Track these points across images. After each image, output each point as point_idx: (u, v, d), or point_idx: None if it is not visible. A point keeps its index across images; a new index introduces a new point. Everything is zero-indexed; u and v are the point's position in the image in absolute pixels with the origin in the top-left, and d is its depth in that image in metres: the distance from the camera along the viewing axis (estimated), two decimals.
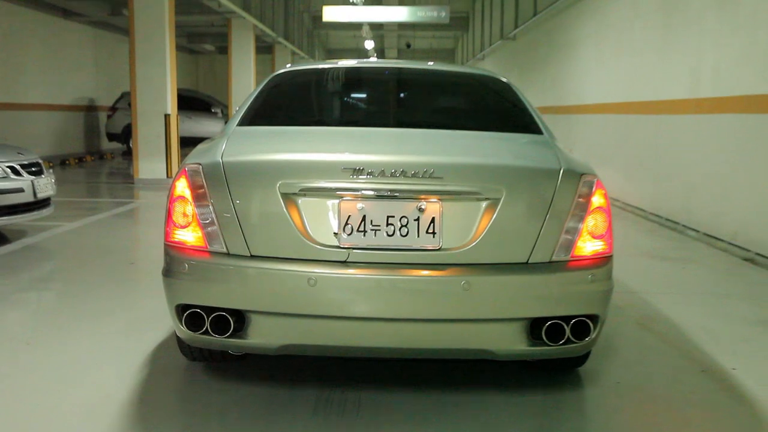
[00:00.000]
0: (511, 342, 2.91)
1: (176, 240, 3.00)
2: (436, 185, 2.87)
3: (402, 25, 25.72)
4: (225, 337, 2.90)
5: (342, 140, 3.42)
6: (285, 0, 21.78)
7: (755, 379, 3.65)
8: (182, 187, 3.00)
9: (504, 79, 4.23)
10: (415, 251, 2.88)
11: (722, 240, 7.18)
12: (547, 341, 2.90)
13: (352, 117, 4.05)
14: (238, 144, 3.24)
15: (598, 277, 2.96)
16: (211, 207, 2.93)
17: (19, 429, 3.02)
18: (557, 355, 2.99)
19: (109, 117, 19.07)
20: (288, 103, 3.97)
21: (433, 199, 2.88)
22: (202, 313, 2.90)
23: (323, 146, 3.28)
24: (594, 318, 2.96)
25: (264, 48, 22.57)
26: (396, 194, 2.87)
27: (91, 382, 3.49)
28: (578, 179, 3.00)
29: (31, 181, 6.83)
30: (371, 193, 2.87)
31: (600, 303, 2.97)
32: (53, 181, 7.32)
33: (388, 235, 2.87)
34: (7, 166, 6.67)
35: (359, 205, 2.87)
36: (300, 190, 2.89)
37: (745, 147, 6.78)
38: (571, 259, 2.94)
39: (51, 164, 15.51)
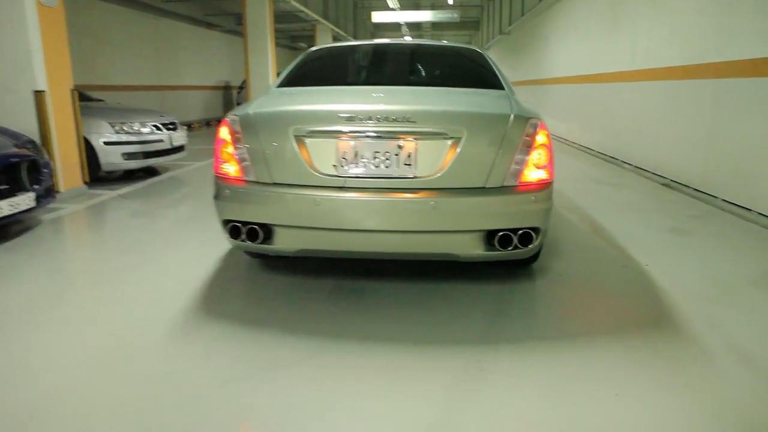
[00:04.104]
0: (471, 248, 2.45)
1: (221, 172, 2.60)
2: (411, 127, 2.38)
3: (434, 26, 24.26)
4: (257, 243, 2.53)
5: (344, 96, 2.90)
6: (354, 10, 20.75)
7: (661, 273, 3.12)
8: (225, 132, 2.58)
9: (479, 50, 3.61)
10: (395, 179, 2.41)
11: (648, 170, 6.47)
12: (499, 248, 2.44)
13: (359, 79, 3.48)
14: (269, 100, 2.79)
15: (540, 198, 2.45)
16: (244, 147, 2.52)
17: (142, 293, 2.86)
18: (507, 257, 2.52)
19: (238, 93, 18.63)
20: (314, 71, 3.46)
21: (410, 138, 2.39)
22: (240, 226, 2.53)
23: (327, 100, 2.78)
24: (536, 230, 2.47)
25: None
26: (381, 135, 2.39)
27: (204, 262, 3.28)
28: (525, 122, 2.46)
29: (169, 135, 6.54)
30: (361, 134, 2.40)
31: (541, 218, 2.47)
32: (185, 134, 7.02)
33: (375, 167, 2.41)
34: (153, 125, 6.39)
35: (352, 143, 2.40)
36: (308, 133, 2.43)
37: (667, 104, 6.00)
38: (519, 184, 2.43)
39: (199, 125, 15.38)
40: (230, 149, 2.54)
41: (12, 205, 3.71)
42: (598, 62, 8.45)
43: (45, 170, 4.18)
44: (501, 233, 2.41)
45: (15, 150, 3.91)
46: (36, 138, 4.95)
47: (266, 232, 2.50)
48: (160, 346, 2.31)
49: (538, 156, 2.45)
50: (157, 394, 1.95)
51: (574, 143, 9.75)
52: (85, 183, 5.63)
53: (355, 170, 2.41)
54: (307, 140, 2.43)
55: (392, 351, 2.26)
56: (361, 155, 2.40)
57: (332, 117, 2.45)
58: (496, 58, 21.39)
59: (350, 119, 2.39)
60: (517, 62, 16.11)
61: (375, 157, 2.39)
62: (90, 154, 5.84)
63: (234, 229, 2.55)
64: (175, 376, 2.07)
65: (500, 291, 2.88)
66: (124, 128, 6.05)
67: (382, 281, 2.99)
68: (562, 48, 10.86)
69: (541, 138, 2.46)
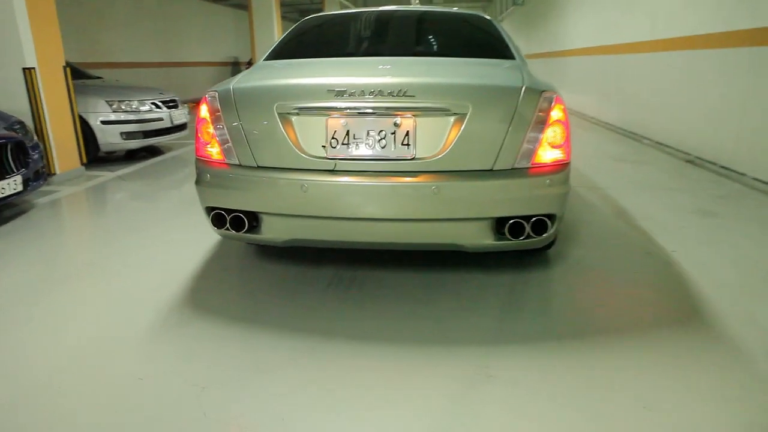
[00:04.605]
0: (478, 237, 2.19)
1: (203, 154, 2.36)
2: (409, 102, 2.10)
3: None
4: (243, 233, 2.30)
5: (334, 68, 2.62)
6: None
7: (689, 260, 2.85)
8: (204, 111, 2.33)
9: (487, 17, 3.28)
10: (391, 161, 2.14)
11: (670, 146, 6.10)
12: (509, 237, 2.18)
13: (354, 50, 3.16)
14: (253, 74, 2.53)
15: (556, 182, 2.17)
16: (225, 127, 2.27)
17: (129, 284, 2.71)
18: (520, 247, 2.26)
19: (246, 68, 18.29)
20: (307, 42, 3.18)
21: (408, 115, 2.12)
22: (224, 214, 2.30)
23: (315, 73, 2.51)
24: (551, 216, 2.21)
25: None
26: (375, 111, 2.12)
27: (199, 249, 3.05)
28: (539, 95, 2.17)
29: (169, 113, 6.31)
30: (353, 110, 2.13)
31: (557, 204, 2.20)
32: (186, 112, 6.78)
33: (369, 148, 2.15)
34: (152, 103, 6.16)
35: (343, 121, 2.14)
36: (293, 110, 2.17)
37: (693, 76, 5.60)
38: (532, 165, 2.15)
39: None
40: (210, 129, 2.30)
41: None
42: (616, 32, 8.00)
43: (34, 152, 3.99)
44: (512, 221, 2.15)
45: None
46: (28, 118, 4.75)
47: (252, 220, 2.28)
48: (138, 346, 2.11)
49: (553, 134, 2.16)
50: (124, 403, 1.75)
51: (592, 118, 9.34)
52: (83, 164, 5.44)
53: (346, 151, 2.15)
54: (293, 118, 2.18)
55: (392, 352, 2.04)
56: (354, 134, 2.14)
57: (320, 92, 2.18)
58: (510, 30, 20.73)
59: (340, 94, 2.12)
60: (532, 34, 15.55)
61: (369, 137, 2.13)
62: (88, 133, 5.65)
63: (217, 217, 2.33)
64: (148, 381, 1.87)
65: (512, 281, 2.63)
66: (122, 106, 5.83)
67: (385, 270, 2.76)
68: (577, 18, 10.36)
69: (556, 113, 2.17)
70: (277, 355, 2.03)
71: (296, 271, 2.79)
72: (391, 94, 2.10)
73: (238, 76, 2.49)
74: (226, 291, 2.64)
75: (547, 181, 2.15)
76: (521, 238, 2.18)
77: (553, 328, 2.20)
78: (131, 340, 2.16)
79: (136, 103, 5.94)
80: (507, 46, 2.86)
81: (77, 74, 6.50)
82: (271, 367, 1.94)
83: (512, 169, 2.14)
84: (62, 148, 5.07)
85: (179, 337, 2.16)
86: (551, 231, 2.22)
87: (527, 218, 2.16)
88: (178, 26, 15.36)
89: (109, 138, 5.75)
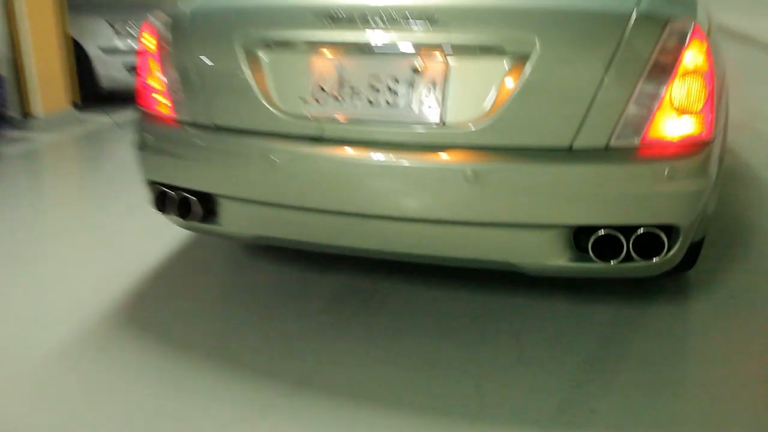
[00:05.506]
0: (543, 255, 1.86)
1: (145, 104, 2.23)
2: (438, 35, 1.82)
3: None
4: (192, 221, 2.15)
5: None
6: None
7: None
8: (148, 41, 2.21)
9: None
10: (407, 127, 1.87)
11: None
12: (595, 257, 1.80)
13: None
14: None
15: (684, 172, 1.79)
16: (175, 66, 2.12)
17: (77, 274, 2.75)
18: (612, 275, 1.91)
19: None
20: None
21: (435, 54, 1.84)
22: (171, 193, 2.14)
23: None
24: (671, 229, 1.80)
25: None
26: (384, 48, 1.87)
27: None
28: (661, 27, 1.76)
29: None
30: (350, 46, 1.90)
31: (683, 209, 1.81)
32: None
33: (372, 104, 1.89)
34: None
35: (335, 62, 1.91)
36: (263, 43, 1.98)
37: None
38: (642, 144, 1.78)
39: None
40: (156, 68, 2.15)
41: None
42: None
43: None
44: (600, 232, 1.77)
45: None
46: (2, 44, 4.90)
47: (206, 204, 2.10)
48: (39, 371, 2.03)
49: (683, 90, 1.76)
50: None
51: None
52: (76, 105, 5.57)
53: (339, 109, 1.91)
54: (263, 56, 1.98)
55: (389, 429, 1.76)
56: (350, 84, 1.90)
57: (302, 16, 1.96)
58: None
59: (331, 20, 1.88)
60: None
61: (373, 88, 1.87)
62: (86, 64, 5.77)
63: (162, 196, 2.16)
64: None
65: (614, 321, 2.24)
66: (129, 30, 5.86)
67: (421, 283, 2.50)
68: None
69: (692, 57, 1.76)
70: (211, 415, 1.82)
71: (298, 275, 2.61)
72: (410, 21, 1.80)
73: None
74: (192, 299, 2.51)
75: (667, 169, 1.76)
76: (616, 260, 1.79)
77: (670, 413, 1.79)
78: (33, 362, 2.08)
79: None
80: None
81: None
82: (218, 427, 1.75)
83: (606, 148, 1.76)
84: (47, 82, 5.19)
85: (94, 366, 2.07)
86: (672, 253, 1.82)
87: (626, 230, 1.77)
88: None
89: (112, 71, 5.82)
